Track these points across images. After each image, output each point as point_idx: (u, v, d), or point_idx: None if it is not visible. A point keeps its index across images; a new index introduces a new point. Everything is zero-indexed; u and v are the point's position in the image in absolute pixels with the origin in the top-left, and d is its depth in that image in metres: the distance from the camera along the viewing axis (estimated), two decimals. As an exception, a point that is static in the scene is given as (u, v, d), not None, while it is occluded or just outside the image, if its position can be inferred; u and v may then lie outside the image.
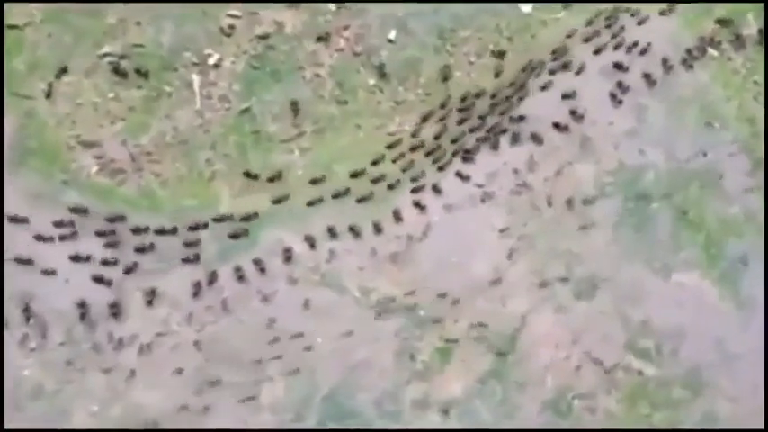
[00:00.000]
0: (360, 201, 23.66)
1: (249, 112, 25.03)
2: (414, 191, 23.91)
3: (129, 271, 22.07)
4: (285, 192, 23.96)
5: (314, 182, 24.09)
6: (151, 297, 21.96)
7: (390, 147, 24.77)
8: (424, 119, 25.26)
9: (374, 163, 24.47)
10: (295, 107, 24.94)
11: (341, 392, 21.66)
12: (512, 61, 25.78)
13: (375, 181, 24.14)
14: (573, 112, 24.84)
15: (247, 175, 24.14)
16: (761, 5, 26.02)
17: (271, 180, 24.13)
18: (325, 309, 22.36)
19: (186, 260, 22.48)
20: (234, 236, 22.80)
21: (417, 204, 23.76)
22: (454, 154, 24.42)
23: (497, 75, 25.73)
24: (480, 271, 22.96)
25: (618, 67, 25.17)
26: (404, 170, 24.36)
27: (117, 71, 24.82)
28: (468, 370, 22.22)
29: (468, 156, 24.37)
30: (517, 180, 24.13)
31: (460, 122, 25.06)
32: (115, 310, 21.78)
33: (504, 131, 24.64)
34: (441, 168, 24.22)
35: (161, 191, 23.87)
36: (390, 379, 21.88)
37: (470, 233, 23.33)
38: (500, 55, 25.80)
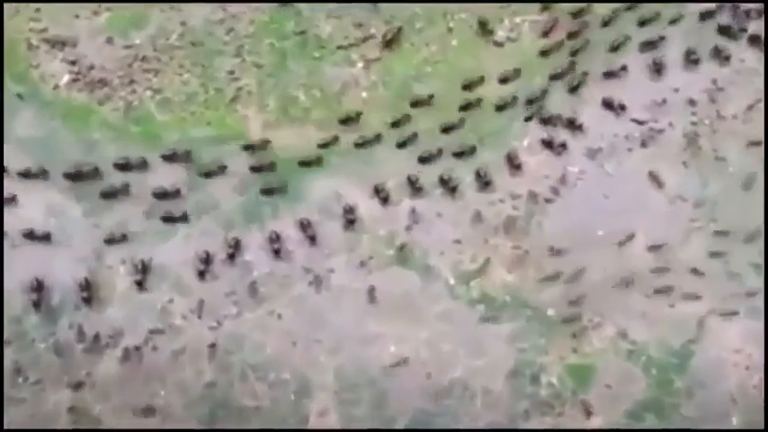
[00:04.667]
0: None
1: (292, 5, 17.33)
2: (539, 124, 16.09)
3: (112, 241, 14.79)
4: (344, 121, 16.57)
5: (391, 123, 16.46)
6: (142, 275, 14.56)
7: (497, 60, 17.00)
8: (551, 27, 17.08)
9: (472, 84, 16.77)
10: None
11: (426, 426, 14.45)
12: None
13: (471, 107, 16.42)
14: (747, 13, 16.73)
15: (288, 96, 16.71)
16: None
17: (322, 103, 16.71)
18: (403, 300, 14.93)
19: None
20: (267, 191, 15.51)
21: (546, 145, 16.02)
22: (597, 74, 16.43)
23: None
24: (637, 251, 15.32)
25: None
26: (518, 95, 16.49)
27: (101, -62, 17.39)
28: (616, 399, 14.87)
29: (618, 77, 16.34)
30: (693, 116, 16.18)
31: (605, 25, 17.00)
32: (87, 294, 14.41)
33: (673, 44, 16.60)
34: (577, 94, 16.24)
35: (160, 114, 16.32)
36: (501, 409, 14.56)
37: (624, 193, 15.59)
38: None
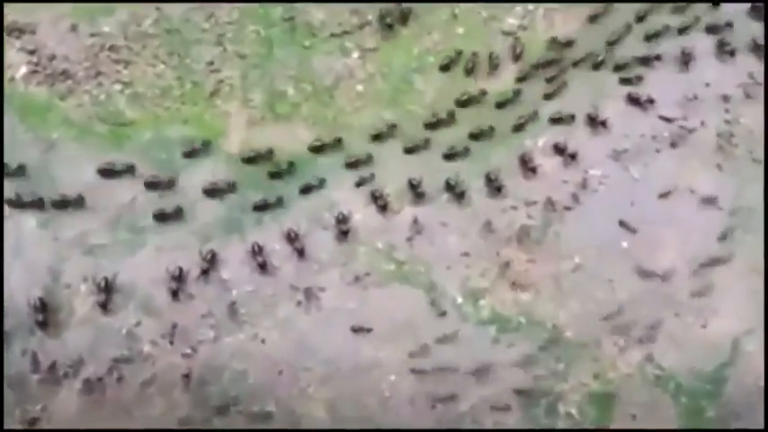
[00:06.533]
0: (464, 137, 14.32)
1: (282, -4, 15.78)
2: (553, 122, 14.42)
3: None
4: (335, 119, 14.88)
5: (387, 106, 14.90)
6: (106, 295, 12.74)
7: (510, 52, 15.38)
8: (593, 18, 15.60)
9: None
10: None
11: (429, 466, 12.87)
12: None
13: (472, 102, 14.81)
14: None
15: (275, 89, 14.97)
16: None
17: (312, 98, 15.06)
18: (405, 322, 13.28)
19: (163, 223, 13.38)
20: (306, 189, 13.85)
21: (561, 148, 14.39)
22: (620, 66, 14.83)
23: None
24: (667, 265, 13.62)
25: None
26: (539, 88, 14.97)
27: None
28: (642, 431, 13.39)
29: (644, 70, 14.69)
30: (727, 113, 14.52)
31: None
32: (43, 317, 12.64)
33: (704, 34, 14.96)
34: (599, 88, 14.59)
35: (131, 110, 14.55)
36: (513, 445, 13.08)
37: (653, 200, 13.90)
38: None
